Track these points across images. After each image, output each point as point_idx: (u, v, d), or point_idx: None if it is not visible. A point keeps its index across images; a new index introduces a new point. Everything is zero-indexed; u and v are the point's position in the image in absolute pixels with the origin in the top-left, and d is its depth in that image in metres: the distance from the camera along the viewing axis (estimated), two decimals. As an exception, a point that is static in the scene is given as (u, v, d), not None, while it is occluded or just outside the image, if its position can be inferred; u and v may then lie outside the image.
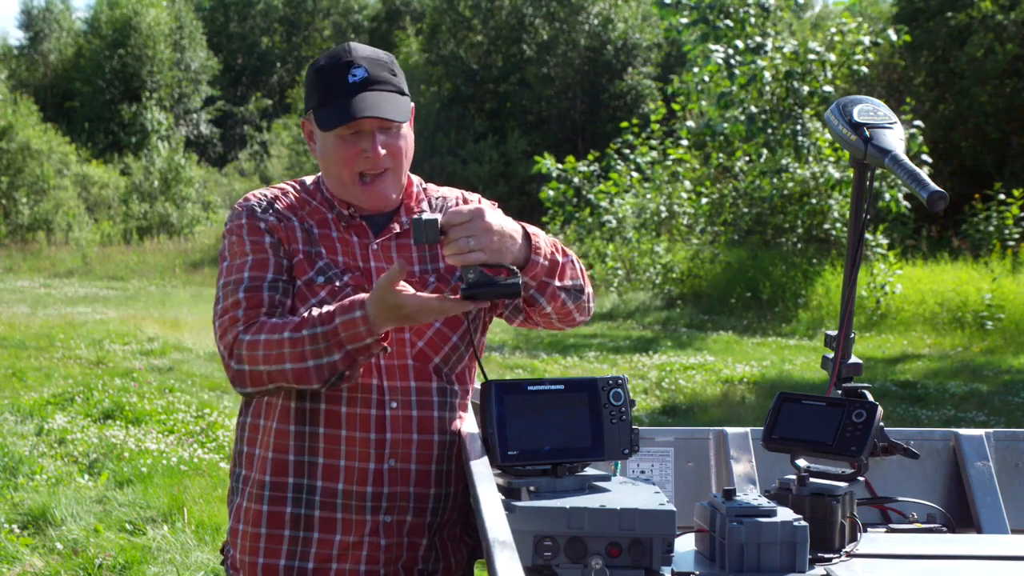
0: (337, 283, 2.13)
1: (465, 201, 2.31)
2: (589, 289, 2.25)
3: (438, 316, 2.03)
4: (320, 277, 2.13)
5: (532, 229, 2.10)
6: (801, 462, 2.16)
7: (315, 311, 2.03)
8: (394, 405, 2.12)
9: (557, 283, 2.14)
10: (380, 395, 2.11)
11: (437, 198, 2.30)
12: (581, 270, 2.22)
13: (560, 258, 2.15)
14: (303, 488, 2.12)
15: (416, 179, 2.31)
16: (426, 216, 1.96)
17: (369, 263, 2.17)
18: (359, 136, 2.12)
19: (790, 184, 15.61)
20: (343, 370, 2.02)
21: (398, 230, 2.21)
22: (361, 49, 2.16)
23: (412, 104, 2.23)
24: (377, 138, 2.12)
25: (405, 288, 1.97)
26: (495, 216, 2.00)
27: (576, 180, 18.29)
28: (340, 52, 2.15)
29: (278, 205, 2.20)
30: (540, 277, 2.10)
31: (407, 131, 2.19)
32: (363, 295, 2.01)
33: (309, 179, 2.28)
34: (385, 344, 2.03)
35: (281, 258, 2.13)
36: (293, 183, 2.28)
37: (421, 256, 2.21)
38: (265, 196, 2.22)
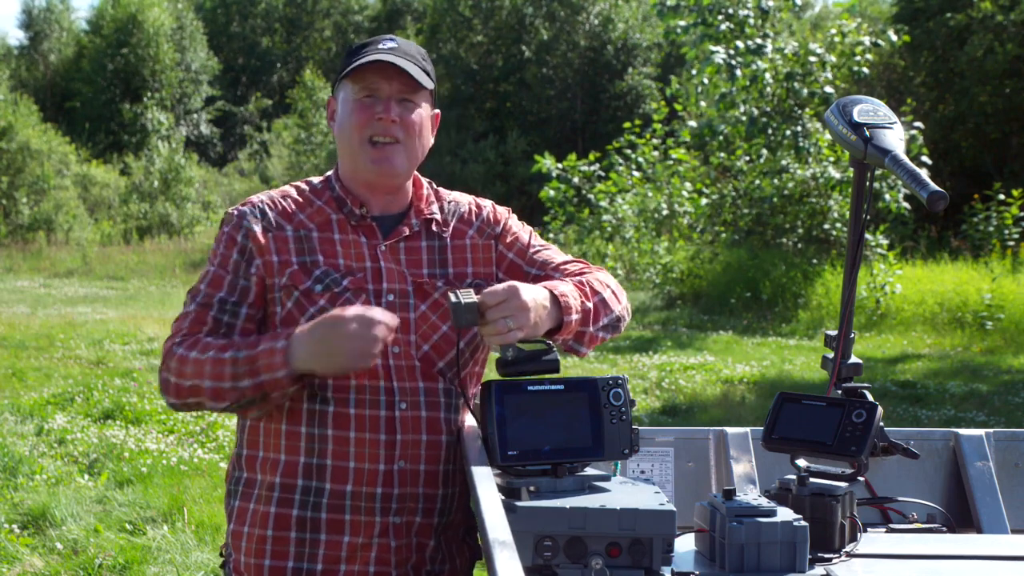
0: (336, 289, 2.12)
1: (478, 207, 2.30)
2: (624, 302, 2.26)
3: (362, 360, 1.98)
4: (318, 286, 2.12)
5: (559, 290, 2.08)
6: (801, 462, 2.16)
7: (248, 337, 2.08)
8: (403, 406, 2.11)
9: (592, 329, 2.16)
10: (389, 396, 2.11)
11: (450, 202, 2.29)
12: (615, 291, 2.22)
13: (591, 303, 2.15)
14: (311, 491, 2.11)
15: (426, 181, 2.30)
16: (465, 300, 1.95)
17: (378, 262, 2.16)
18: (375, 101, 2.15)
19: (790, 184, 15.59)
20: (251, 398, 2.04)
21: (407, 232, 2.20)
22: (399, 38, 2.23)
23: (437, 111, 2.27)
24: (392, 105, 2.14)
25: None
26: (528, 291, 2.00)
27: (576, 179, 18.28)
28: (379, 35, 2.24)
29: (273, 212, 2.19)
30: (574, 330, 2.12)
31: (424, 114, 2.20)
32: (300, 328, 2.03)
33: (318, 178, 2.27)
34: (291, 388, 2.03)
35: (240, 278, 2.14)
36: (299, 184, 2.27)
37: (431, 260, 2.20)
38: (262, 202, 2.21)
